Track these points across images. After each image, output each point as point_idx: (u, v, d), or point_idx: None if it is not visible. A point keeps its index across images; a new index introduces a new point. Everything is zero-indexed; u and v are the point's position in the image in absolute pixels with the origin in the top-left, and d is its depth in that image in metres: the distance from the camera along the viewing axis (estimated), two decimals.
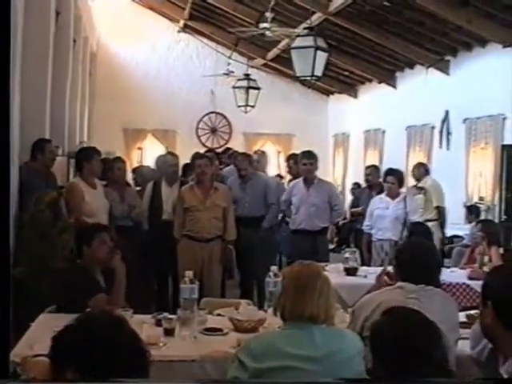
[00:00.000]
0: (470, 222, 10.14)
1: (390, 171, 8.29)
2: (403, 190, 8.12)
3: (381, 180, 9.13)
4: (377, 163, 12.91)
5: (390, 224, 7.24)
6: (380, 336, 2.38)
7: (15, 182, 6.36)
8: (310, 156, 8.06)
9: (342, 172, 17.16)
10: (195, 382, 2.93)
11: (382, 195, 8.08)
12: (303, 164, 8.03)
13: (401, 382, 2.17)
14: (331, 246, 13.00)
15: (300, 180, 8.14)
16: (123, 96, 15.95)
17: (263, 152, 10.26)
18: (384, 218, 7.76)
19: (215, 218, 7.20)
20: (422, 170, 9.64)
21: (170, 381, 3.78)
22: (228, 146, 14.64)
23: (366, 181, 9.64)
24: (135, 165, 15.73)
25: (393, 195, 7.88)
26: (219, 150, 12.35)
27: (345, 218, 11.45)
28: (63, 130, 9.86)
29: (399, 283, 3.96)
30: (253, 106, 13.53)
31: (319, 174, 8.32)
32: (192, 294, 4.49)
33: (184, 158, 8.70)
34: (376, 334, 2.40)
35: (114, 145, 14.31)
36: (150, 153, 15.62)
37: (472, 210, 10.49)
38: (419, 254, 4.01)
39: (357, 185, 13.76)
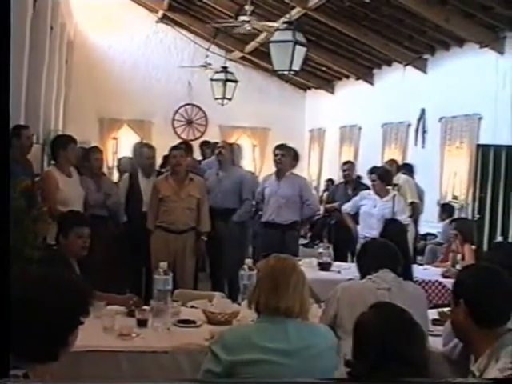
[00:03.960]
0: (443, 220, 10.24)
1: (373, 169, 8.36)
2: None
3: (355, 176, 9.22)
4: (352, 159, 13.00)
5: (378, 222, 7.21)
6: (363, 330, 2.39)
7: None
8: (280, 148, 8.06)
9: (318, 167, 17.21)
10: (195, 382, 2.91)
11: (371, 192, 8.07)
12: (275, 155, 8.05)
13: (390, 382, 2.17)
14: (304, 241, 13.11)
15: (273, 173, 8.15)
16: (99, 85, 15.86)
17: (238, 145, 10.20)
18: (371, 215, 7.76)
19: (189, 209, 7.20)
20: (394, 167, 9.69)
21: (144, 374, 3.78)
22: (204, 138, 14.58)
23: (344, 176, 9.64)
24: (110, 155, 15.74)
25: (381, 193, 7.86)
26: (196, 142, 12.25)
27: (319, 213, 11.45)
28: (38, 118, 9.78)
29: (370, 276, 4.05)
30: (230, 99, 13.49)
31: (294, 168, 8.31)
32: (166, 286, 4.47)
33: (159, 149, 8.64)
34: (359, 328, 2.41)
35: (89, 134, 14.23)
36: (125, 143, 15.51)
37: (445, 209, 10.58)
38: (378, 249, 4.25)
39: (330, 181, 13.87)
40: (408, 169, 10.07)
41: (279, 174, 8.00)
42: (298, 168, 9.36)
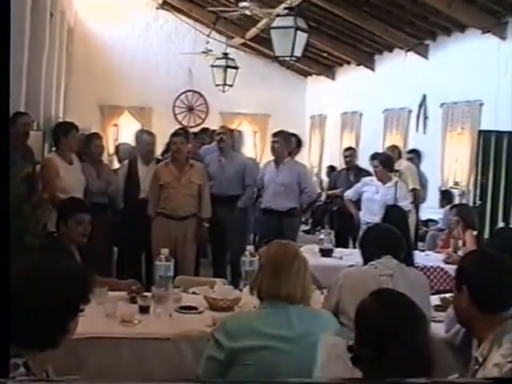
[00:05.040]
0: (443, 207, 10.22)
1: (375, 155, 8.36)
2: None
3: (357, 163, 9.22)
4: (353, 145, 12.93)
5: (380, 209, 7.21)
6: (364, 316, 2.38)
7: None
8: (276, 135, 8.08)
9: (319, 154, 17.18)
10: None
11: (373, 178, 8.07)
12: (271, 142, 8.11)
13: (398, 377, 2.17)
14: (306, 228, 13.11)
15: (273, 159, 8.16)
16: (100, 72, 15.80)
17: (239, 131, 10.18)
18: (373, 202, 7.77)
19: (190, 195, 7.19)
20: (396, 153, 9.66)
21: (146, 360, 3.78)
22: (204, 125, 14.53)
23: (346, 163, 9.64)
24: (111, 142, 15.71)
25: (383, 179, 7.87)
26: (196, 130, 12.22)
27: (320, 200, 11.45)
28: (39, 105, 9.74)
29: (372, 262, 4.06)
30: (231, 85, 13.46)
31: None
32: (167, 272, 4.49)
33: (160, 136, 8.63)
34: (361, 314, 2.40)
35: (89, 121, 14.16)
36: (125, 130, 15.48)
37: (445, 195, 10.57)
38: (380, 235, 4.26)
39: (331, 168, 13.81)
40: (416, 154, 10.06)
41: (278, 160, 8.02)
42: (298, 154, 9.39)
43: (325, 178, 14.34)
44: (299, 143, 9.66)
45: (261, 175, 8.17)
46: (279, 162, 7.99)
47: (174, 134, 7.63)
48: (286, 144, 8.08)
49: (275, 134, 8.11)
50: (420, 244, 9.42)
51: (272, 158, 8.24)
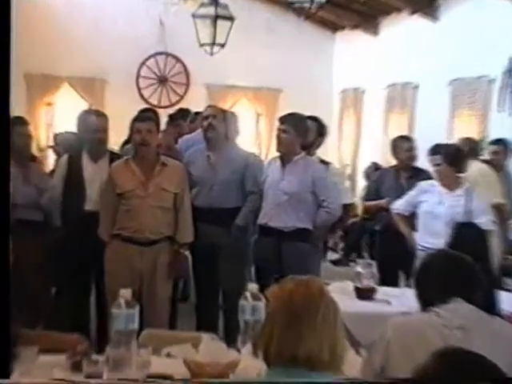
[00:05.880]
0: None
1: (437, 147, 8.31)
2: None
3: (410, 157, 9.32)
4: (406, 133, 12.90)
5: (445, 227, 7.25)
6: None
7: None
8: (282, 119, 8.10)
9: (353, 146, 17.20)
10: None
11: (435, 182, 8.11)
12: (277, 130, 8.13)
13: None
14: (335, 256, 13.09)
15: (278, 156, 8.19)
16: (26, 27, 15.71)
17: (233, 114, 10.04)
18: (436, 217, 7.84)
19: (162, 208, 7.28)
20: (469, 146, 9.60)
21: None
22: (183, 104, 14.52)
23: (399, 160, 9.62)
24: (42, 129, 15.69)
25: (450, 184, 7.93)
26: (172, 111, 12.21)
27: (355, 215, 11.41)
28: None
29: (435, 308, 4.05)
30: (222, 45, 13.37)
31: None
32: (129, 324, 4.43)
33: (116, 121, 8.66)
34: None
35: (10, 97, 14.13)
36: (65, 111, 15.53)
37: None
38: (447, 267, 4.20)
39: (374, 165, 13.76)
40: (503, 147, 10.02)
41: (284, 158, 8.03)
42: (323, 148, 9.38)
43: (362, 182, 14.33)
44: (322, 131, 9.55)
45: (263, 177, 8.18)
46: (286, 160, 8.00)
47: (138, 118, 7.69)
48: (299, 133, 8.02)
49: (282, 119, 8.10)
50: (508, 281, 9.39)
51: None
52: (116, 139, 9.33)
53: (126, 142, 8.82)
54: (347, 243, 13.52)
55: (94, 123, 7.98)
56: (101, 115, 8.26)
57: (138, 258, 7.22)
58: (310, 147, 8.43)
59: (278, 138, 8.03)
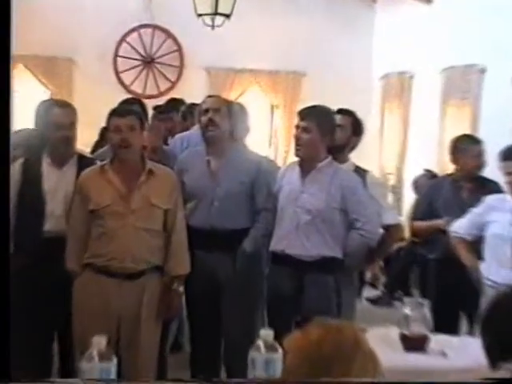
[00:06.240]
0: None
1: (511, 151, 8.11)
2: None
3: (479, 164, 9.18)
4: (469, 131, 12.83)
5: None
6: None
7: None
8: (305, 114, 7.89)
9: (399, 147, 17.11)
10: None
11: (507, 197, 7.96)
12: (295, 127, 7.96)
13: None
14: (374, 294, 12.93)
15: (296, 161, 8.03)
16: None
17: (242, 106, 10.02)
18: (508, 241, 7.69)
19: (148, 230, 7.20)
20: None
21: None
22: (176, 93, 14.57)
23: (458, 164, 9.40)
24: None
25: None
26: (161, 102, 12.16)
27: (402, 239, 11.13)
28: None
29: (509, 365, 3.76)
30: (227, 16, 13.27)
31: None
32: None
33: (87, 115, 8.70)
34: None
35: None
36: (19, 101, 15.24)
37: None
38: None
39: (429, 174, 13.55)
40: None
41: (304, 164, 7.84)
42: (358, 150, 9.09)
43: (411, 196, 14.05)
44: (356, 129, 9.35)
45: (277, 188, 8.04)
46: (308, 168, 7.80)
47: (117, 112, 7.58)
48: (324, 132, 7.81)
49: (303, 114, 7.90)
50: None
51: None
52: (87, 139, 9.38)
53: (98, 144, 8.59)
54: (390, 276, 13.69)
55: (57, 117, 7.81)
56: (66, 107, 8.14)
57: (116, 295, 7.12)
58: (339, 150, 8.28)
59: (297, 138, 7.84)
